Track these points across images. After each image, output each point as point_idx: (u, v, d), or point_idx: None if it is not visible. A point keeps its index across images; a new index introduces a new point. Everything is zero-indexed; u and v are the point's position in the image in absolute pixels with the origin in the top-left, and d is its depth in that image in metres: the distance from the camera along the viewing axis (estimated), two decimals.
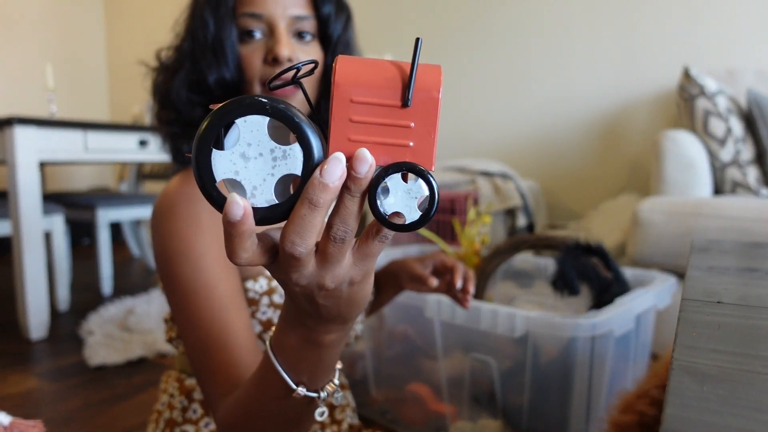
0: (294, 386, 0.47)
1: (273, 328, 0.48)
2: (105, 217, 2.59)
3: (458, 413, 1.15)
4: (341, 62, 0.33)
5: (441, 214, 2.26)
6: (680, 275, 1.44)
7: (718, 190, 1.79)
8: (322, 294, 0.38)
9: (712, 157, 1.76)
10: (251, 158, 0.33)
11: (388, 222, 0.34)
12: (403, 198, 0.34)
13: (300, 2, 0.72)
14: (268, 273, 0.71)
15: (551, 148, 2.68)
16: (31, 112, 3.73)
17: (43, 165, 3.14)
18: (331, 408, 0.87)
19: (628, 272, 1.28)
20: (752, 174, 1.73)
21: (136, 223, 3.28)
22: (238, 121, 0.33)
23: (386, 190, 0.34)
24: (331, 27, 0.75)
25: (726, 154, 1.74)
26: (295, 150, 0.33)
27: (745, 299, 0.49)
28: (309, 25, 0.73)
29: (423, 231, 1.58)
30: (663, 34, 2.34)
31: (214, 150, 0.33)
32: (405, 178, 0.34)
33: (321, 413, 0.50)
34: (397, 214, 0.34)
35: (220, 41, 0.71)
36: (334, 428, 0.86)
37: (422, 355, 1.21)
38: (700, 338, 0.39)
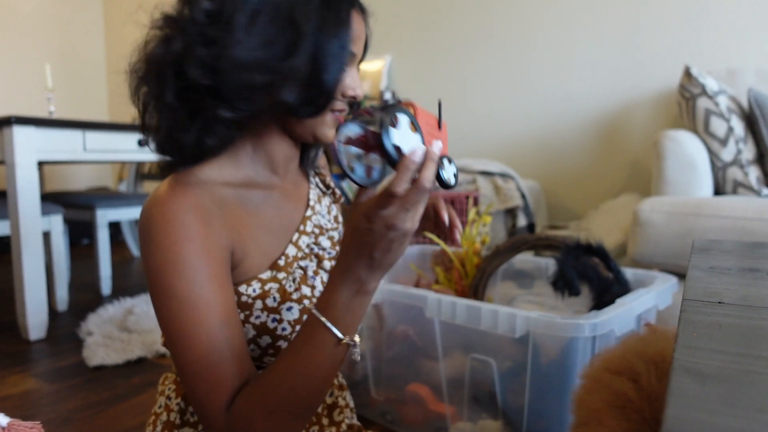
0: (342, 336, 0.60)
1: (308, 301, 0.68)
2: (104, 217, 2.59)
3: (458, 414, 1.15)
4: (419, 109, 0.62)
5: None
6: (681, 275, 1.44)
7: (719, 190, 1.79)
8: (401, 236, 0.57)
9: (713, 156, 1.76)
10: (407, 136, 0.57)
11: (445, 184, 0.59)
12: (449, 171, 0.59)
13: (361, 41, 0.73)
14: (261, 276, 0.71)
15: (552, 147, 2.68)
16: (30, 112, 3.72)
17: (41, 165, 3.14)
18: (331, 409, 0.87)
19: (629, 272, 1.27)
20: (753, 174, 1.73)
21: (135, 223, 3.28)
22: (399, 115, 0.57)
23: (442, 168, 0.58)
24: (365, 56, 0.77)
25: (727, 153, 1.74)
26: (418, 136, 0.59)
27: (747, 299, 0.49)
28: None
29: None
30: (664, 33, 2.34)
31: (390, 128, 0.56)
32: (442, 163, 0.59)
33: (357, 354, 0.63)
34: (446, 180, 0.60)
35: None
36: (332, 429, 0.85)
37: (422, 356, 1.21)
38: (701, 338, 0.38)
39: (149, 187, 3.54)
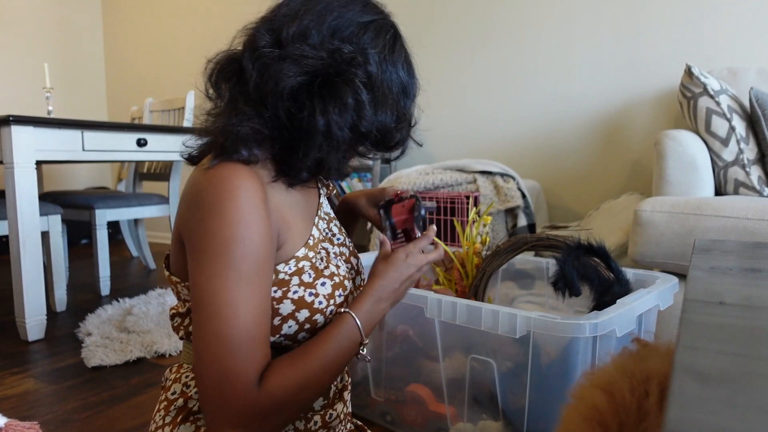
0: (366, 340, 0.79)
1: (341, 305, 0.80)
2: (103, 217, 2.58)
3: (458, 414, 1.15)
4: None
5: (442, 215, 2.25)
6: (682, 276, 1.43)
7: (720, 190, 1.78)
8: (416, 275, 0.87)
9: (715, 156, 1.75)
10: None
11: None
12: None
13: None
14: (297, 254, 0.78)
15: (552, 147, 2.67)
16: (29, 112, 3.72)
17: (40, 164, 3.14)
18: (342, 391, 0.93)
19: (630, 273, 1.27)
20: (755, 173, 1.72)
21: (135, 223, 3.28)
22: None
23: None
24: None
25: (729, 153, 1.73)
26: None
27: (748, 300, 0.48)
28: None
29: None
30: (665, 33, 2.34)
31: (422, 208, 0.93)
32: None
33: (367, 354, 0.81)
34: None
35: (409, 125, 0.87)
36: (340, 406, 0.90)
37: (422, 356, 1.20)
38: (702, 339, 0.38)
39: (148, 187, 3.53)
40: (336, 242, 0.90)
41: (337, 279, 0.81)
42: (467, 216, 1.49)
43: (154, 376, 1.63)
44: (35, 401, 1.48)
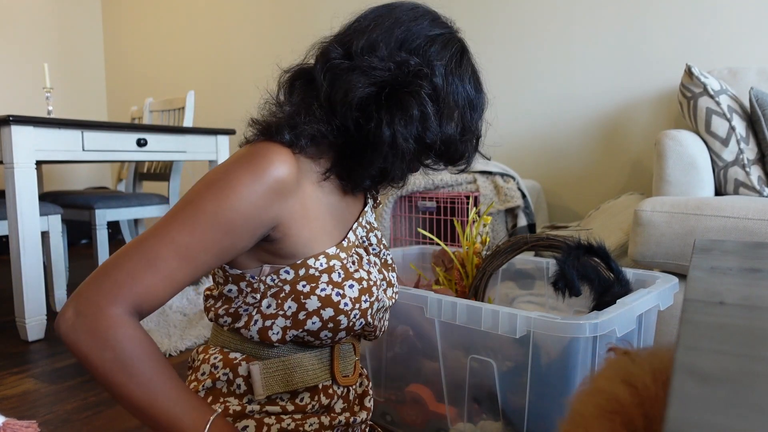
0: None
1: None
2: (103, 216, 2.58)
3: (459, 415, 1.15)
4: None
5: (442, 214, 2.25)
6: (682, 276, 1.43)
7: (720, 190, 1.78)
8: None
9: (715, 156, 1.75)
10: None
11: None
12: None
13: None
14: (328, 251, 0.79)
15: (552, 147, 2.67)
16: (28, 112, 3.72)
17: (40, 164, 3.13)
18: (362, 397, 0.93)
19: (630, 273, 1.27)
20: (755, 174, 1.72)
21: (135, 223, 3.28)
22: None
23: None
24: None
25: (729, 153, 1.73)
26: None
27: (748, 300, 0.48)
28: None
29: (424, 231, 1.58)
30: (665, 32, 2.34)
31: None
32: None
33: None
34: None
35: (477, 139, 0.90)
36: (363, 414, 0.91)
37: (422, 356, 1.20)
38: (702, 339, 0.38)
39: (148, 187, 3.53)
40: (372, 252, 0.91)
41: (365, 284, 0.81)
42: (467, 216, 1.50)
43: None
44: (35, 401, 1.48)
